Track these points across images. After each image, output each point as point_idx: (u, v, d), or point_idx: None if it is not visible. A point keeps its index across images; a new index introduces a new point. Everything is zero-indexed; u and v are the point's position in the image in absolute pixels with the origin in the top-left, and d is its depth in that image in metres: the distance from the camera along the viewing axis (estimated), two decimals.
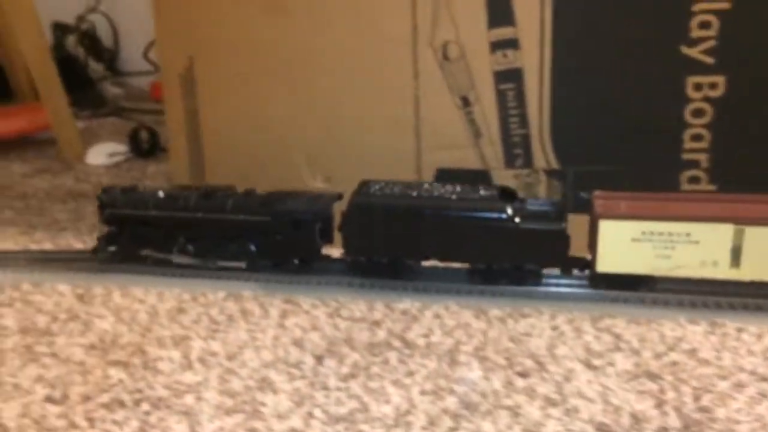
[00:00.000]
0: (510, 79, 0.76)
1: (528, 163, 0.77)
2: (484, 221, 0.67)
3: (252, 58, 0.80)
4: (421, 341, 0.62)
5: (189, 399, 0.55)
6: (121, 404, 0.55)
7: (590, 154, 0.76)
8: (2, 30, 1.52)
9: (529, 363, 0.58)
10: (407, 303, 0.69)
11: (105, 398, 0.55)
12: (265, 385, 0.57)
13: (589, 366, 0.58)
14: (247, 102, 0.81)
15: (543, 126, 0.76)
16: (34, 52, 1.17)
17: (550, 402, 0.53)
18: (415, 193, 0.70)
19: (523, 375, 0.57)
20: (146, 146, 1.23)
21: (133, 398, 0.55)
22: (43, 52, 1.19)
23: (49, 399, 0.55)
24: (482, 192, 0.70)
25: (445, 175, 0.79)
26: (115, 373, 0.59)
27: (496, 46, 0.75)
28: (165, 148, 1.25)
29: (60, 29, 1.80)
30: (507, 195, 0.70)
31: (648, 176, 0.75)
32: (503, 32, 0.74)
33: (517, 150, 0.77)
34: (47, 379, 0.58)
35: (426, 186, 0.71)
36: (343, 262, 0.73)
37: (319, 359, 0.60)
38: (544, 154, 0.77)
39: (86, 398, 0.55)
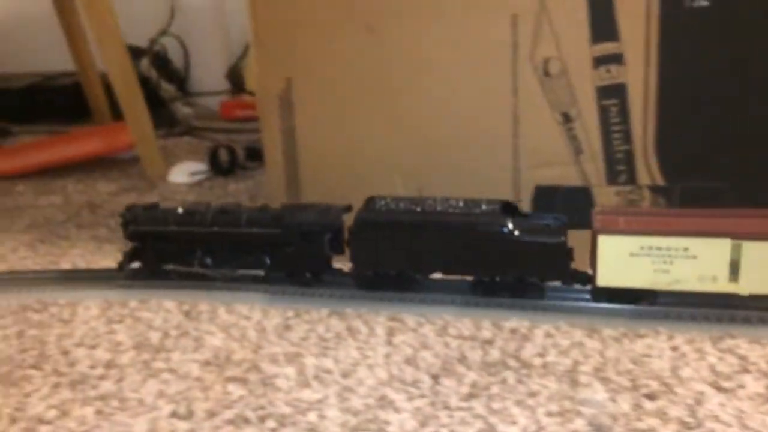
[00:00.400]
0: (613, 94, 0.75)
1: (631, 179, 0.76)
2: (486, 235, 0.68)
3: (350, 78, 0.81)
4: (537, 361, 0.61)
5: (312, 416, 0.55)
6: (246, 421, 0.55)
7: (696, 170, 0.75)
8: (81, 51, 1.57)
9: (655, 385, 0.57)
10: (515, 322, 0.68)
11: (229, 414, 0.56)
12: (386, 403, 0.56)
13: (718, 388, 0.56)
14: (344, 121, 0.82)
15: (647, 142, 0.75)
16: (119, 73, 1.20)
17: (685, 425, 0.52)
18: (419, 209, 0.71)
19: (651, 397, 0.55)
20: (226, 165, 1.26)
21: (257, 415, 0.55)
22: (127, 72, 1.22)
23: (175, 415, 0.56)
24: (484, 207, 0.70)
25: (543, 193, 0.78)
26: (235, 390, 0.59)
27: (600, 61, 0.74)
28: (244, 166, 1.27)
29: (132, 52, 1.85)
30: (509, 209, 0.70)
31: (755, 192, 0.73)
32: (607, 47, 0.74)
33: (620, 166, 0.76)
34: (169, 395, 0.59)
35: (430, 201, 0.72)
36: (350, 275, 0.75)
37: (435, 378, 0.60)
38: (648, 171, 0.75)
39: (211, 414, 0.56)
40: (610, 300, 0.67)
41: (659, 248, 0.63)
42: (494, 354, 0.63)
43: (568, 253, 0.67)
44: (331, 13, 0.80)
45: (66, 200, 1.14)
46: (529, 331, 0.66)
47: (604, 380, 0.58)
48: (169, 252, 0.79)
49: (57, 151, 1.36)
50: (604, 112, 0.75)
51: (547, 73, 0.76)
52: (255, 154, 1.29)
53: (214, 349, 0.66)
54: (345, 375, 0.61)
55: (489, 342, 0.65)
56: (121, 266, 0.81)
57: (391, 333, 0.67)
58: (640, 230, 0.64)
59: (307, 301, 0.75)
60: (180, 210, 0.78)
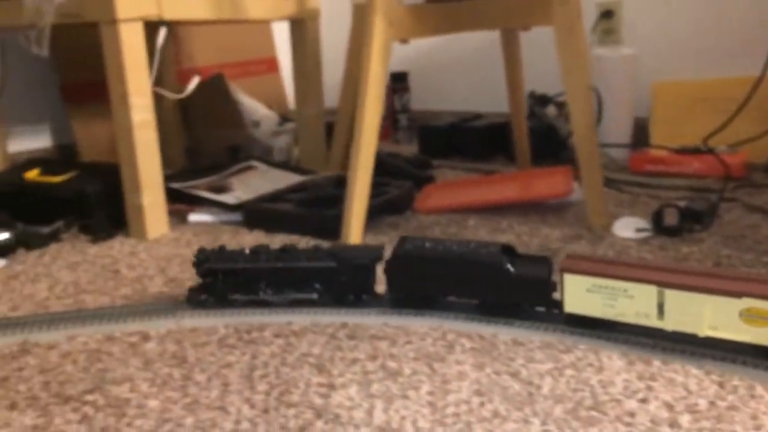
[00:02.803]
0: None
1: None
2: (490, 269, 0.87)
3: None
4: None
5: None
6: None
7: None
8: (517, 95, 1.68)
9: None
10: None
11: None
12: None
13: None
14: None
15: None
16: (583, 121, 1.24)
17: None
18: (440, 248, 0.90)
19: None
20: (672, 225, 1.22)
21: None
22: (587, 115, 1.24)
23: None
24: (490, 248, 0.88)
25: None
26: None
27: None
28: (690, 228, 1.23)
29: (539, 99, 1.93)
30: (507, 250, 0.89)
31: None
32: None
33: None
34: None
35: (448, 243, 0.91)
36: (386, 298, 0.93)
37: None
38: None
39: None
40: (578, 325, 0.83)
41: (606, 287, 0.80)
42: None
43: (551, 286, 0.85)
44: None
45: (519, 241, 1.21)
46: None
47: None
48: (237, 285, 0.94)
49: (504, 190, 1.45)
50: None
51: None
52: (694, 215, 1.23)
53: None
54: None
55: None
56: (190, 299, 0.95)
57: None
58: (593, 272, 0.81)
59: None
60: (247, 251, 0.95)
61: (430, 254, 0.90)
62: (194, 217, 1.39)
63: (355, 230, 1.20)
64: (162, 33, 1.28)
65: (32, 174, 1.39)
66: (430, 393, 0.71)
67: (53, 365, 0.80)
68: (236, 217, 1.38)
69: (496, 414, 0.67)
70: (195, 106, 1.96)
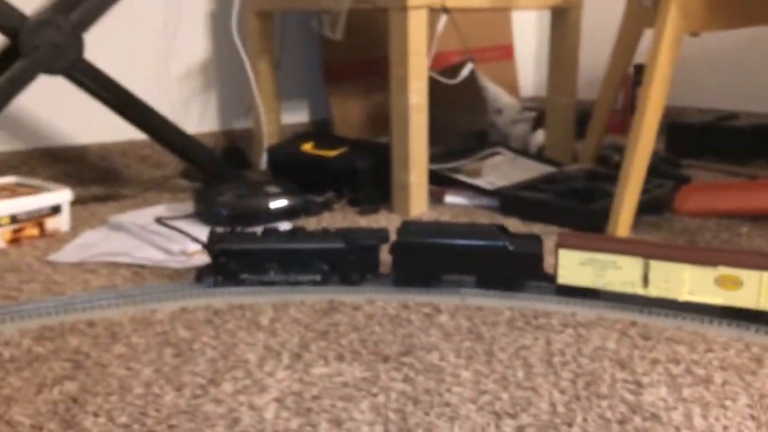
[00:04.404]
0: None
1: None
2: (486, 248, 0.95)
3: None
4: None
5: None
6: None
7: None
8: None
9: None
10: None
11: None
12: None
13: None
14: None
15: None
16: None
17: None
18: (442, 229, 0.97)
19: None
20: None
21: None
22: None
23: None
24: (488, 228, 0.97)
25: None
26: None
27: None
28: None
29: None
30: (502, 230, 0.97)
31: None
32: None
33: None
34: None
35: (449, 224, 1.02)
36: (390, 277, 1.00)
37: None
38: None
39: None
40: (567, 294, 0.93)
41: (597, 260, 0.91)
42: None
43: (541, 261, 0.95)
44: None
45: None
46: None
47: None
48: (247, 265, 0.97)
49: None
50: None
51: None
52: None
53: None
54: None
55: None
56: (199, 279, 0.98)
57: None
58: (585, 246, 0.91)
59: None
60: (259, 233, 0.98)
61: (434, 235, 0.96)
62: (450, 198, 1.45)
63: (622, 227, 1.18)
64: (442, 20, 1.33)
65: (307, 147, 1.52)
66: (749, 406, 0.69)
67: (362, 325, 0.88)
68: (490, 201, 1.41)
69: None
70: (440, 89, 2.02)
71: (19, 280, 1.03)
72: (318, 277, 0.98)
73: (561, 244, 0.92)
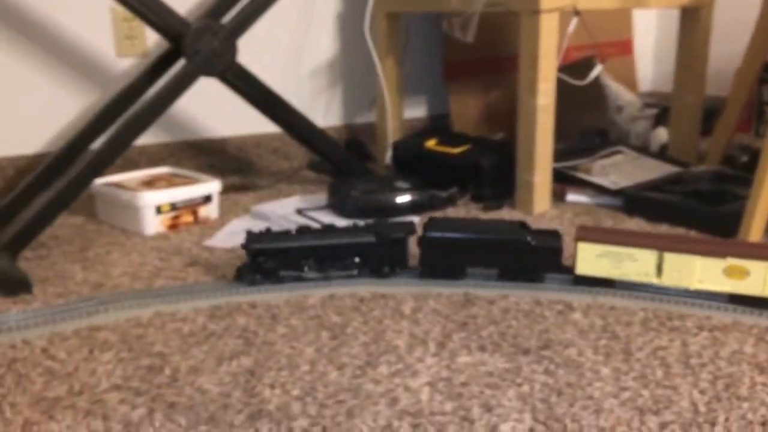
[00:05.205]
0: None
1: None
2: (510, 242, 1.02)
3: None
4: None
5: None
6: None
7: None
8: None
9: None
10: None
11: None
12: None
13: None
14: None
15: None
16: None
17: None
18: (466, 224, 1.05)
19: None
20: None
21: None
22: None
23: None
24: (510, 224, 1.04)
25: None
26: None
27: None
28: None
29: None
30: (523, 226, 1.04)
31: None
32: None
33: None
34: None
35: (472, 220, 1.12)
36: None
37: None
38: None
39: None
40: (585, 284, 1.00)
41: (615, 253, 0.98)
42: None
43: (560, 254, 1.02)
44: None
45: None
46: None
47: None
48: (284, 262, 1.02)
49: None
50: None
51: None
52: None
53: None
54: None
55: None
56: (240, 277, 1.02)
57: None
58: (603, 240, 0.99)
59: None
60: (293, 231, 1.03)
61: (460, 230, 1.02)
62: (572, 196, 1.47)
63: (755, 231, 1.17)
64: (573, 22, 1.36)
65: (431, 143, 1.58)
66: None
67: (499, 318, 0.93)
68: (612, 200, 1.43)
69: None
70: (563, 87, 2.03)
71: (183, 263, 1.14)
72: (355, 272, 1.03)
73: (580, 238, 0.99)
